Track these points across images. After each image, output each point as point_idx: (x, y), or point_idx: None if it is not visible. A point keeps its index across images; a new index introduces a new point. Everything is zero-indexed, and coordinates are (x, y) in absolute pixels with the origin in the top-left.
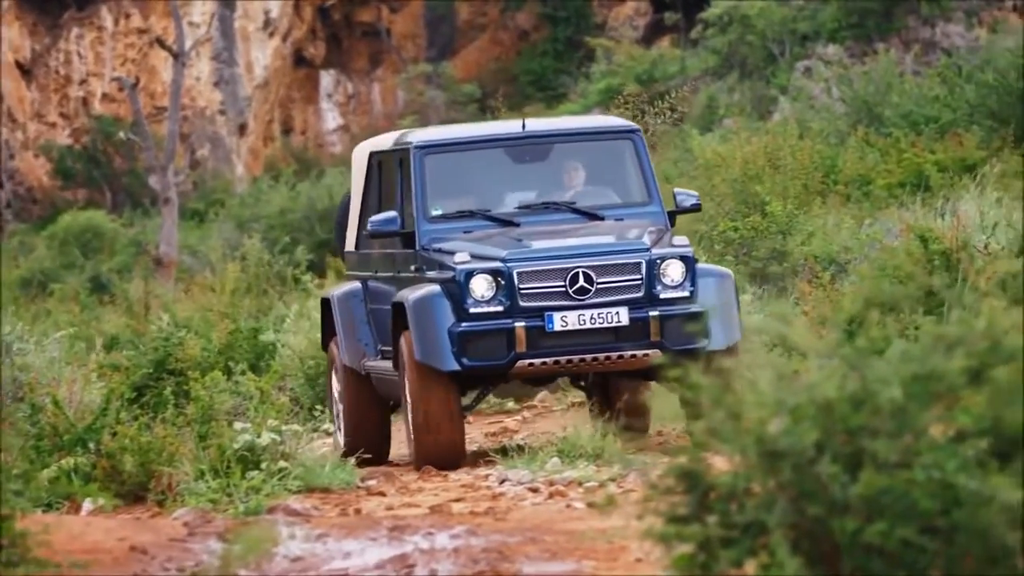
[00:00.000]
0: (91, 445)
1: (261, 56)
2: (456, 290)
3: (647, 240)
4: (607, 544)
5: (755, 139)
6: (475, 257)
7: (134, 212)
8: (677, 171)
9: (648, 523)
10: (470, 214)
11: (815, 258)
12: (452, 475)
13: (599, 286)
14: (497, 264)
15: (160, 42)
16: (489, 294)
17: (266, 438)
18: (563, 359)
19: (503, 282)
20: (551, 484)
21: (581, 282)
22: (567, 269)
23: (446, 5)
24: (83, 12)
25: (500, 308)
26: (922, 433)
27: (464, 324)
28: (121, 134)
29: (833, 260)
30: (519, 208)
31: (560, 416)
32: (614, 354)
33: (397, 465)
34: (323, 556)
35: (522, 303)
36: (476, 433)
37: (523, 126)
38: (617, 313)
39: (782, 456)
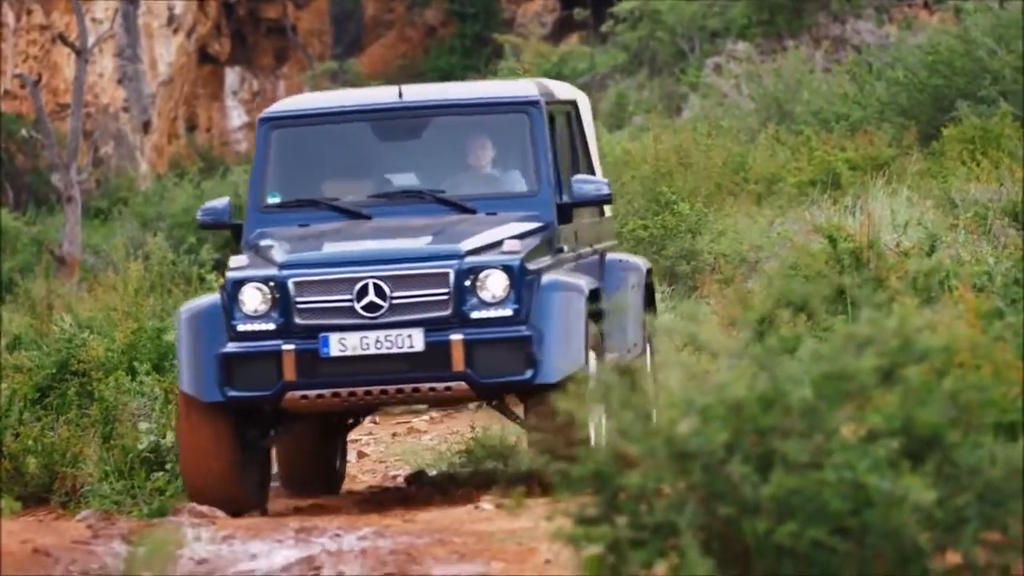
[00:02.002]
0: None
1: (165, 53)
2: (227, 303)
3: (469, 244)
4: (516, 545)
5: (666, 137)
6: (253, 262)
7: (36, 210)
8: None
9: (557, 524)
10: (312, 203)
11: (724, 257)
12: (359, 476)
13: (393, 302)
14: (272, 271)
15: (62, 38)
16: (263, 308)
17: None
18: (342, 391)
19: (279, 294)
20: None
21: (371, 296)
22: (354, 280)
23: (352, 1)
24: None
25: (272, 326)
26: (833, 433)
27: (231, 345)
28: (23, 131)
29: (743, 259)
30: (373, 197)
31: (470, 415)
32: (407, 387)
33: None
34: (229, 558)
35: (298, 320)
36: (383, 433)
37: (400, 94)
38: (410, 336)
39: (692, 457)
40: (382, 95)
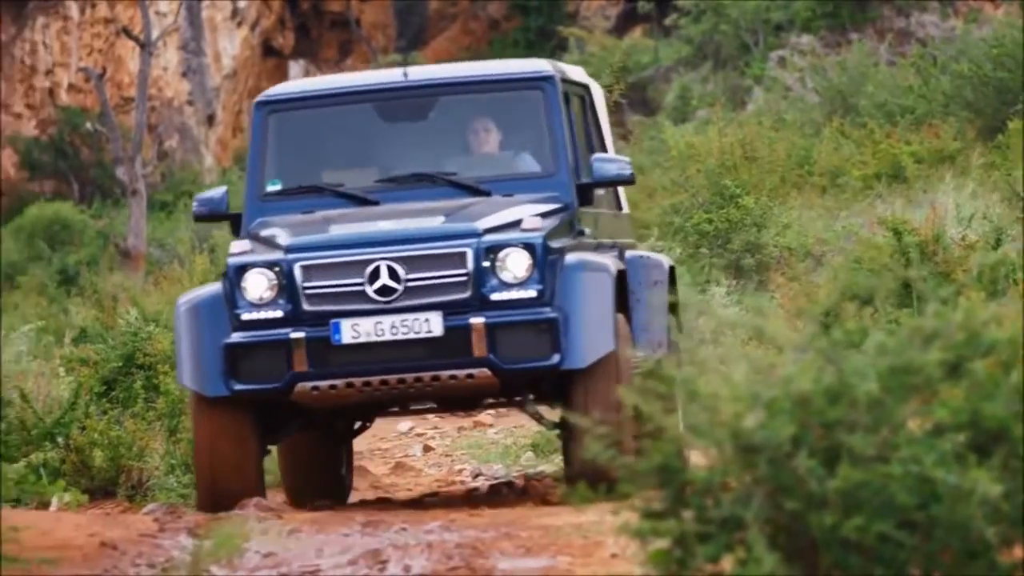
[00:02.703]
0: (60, 440)
1: (229, 46)
2: (230, 291)
3: (488, 222)
4: (582, 539)
5: (730, 130)
6: (256, 246)
7: (102, 204)
8: (651, 162)
9: (624, 518)
10: (315, 190)
11: (790, 250)
12: (425, 470)
13: (408, 284)
14: (277, 255)
15: (127, 32)
16: (268, 295)
17: None
18: (357, 381)
19: (285, 280)
20: (526, 479)
21: (384, 279)
22: (367, 261)
23: None
24: (49, 1)
25: (280, 314)
26: (900, 427)
27: (235, 335)
28: (88, 125)
29: (808, 252)
30: (380, 182)
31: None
32: (426, 375)
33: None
34: (295, 552)
35: (307, 307)
36: (448, 427)
37: (405, 74)
38: (427, 320)
39: (758, 450)
40: (386, 75)
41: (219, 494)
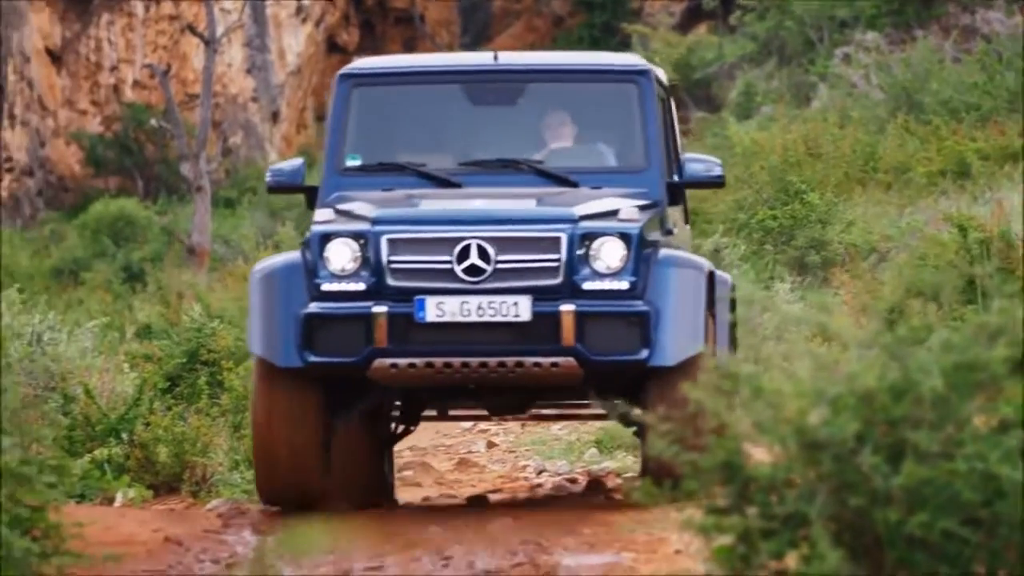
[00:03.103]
0: (124, 435)
1: (294, 43)
2: (311, 260)
3: (584, 209)
4: (646, 535)
5: (794, 127)
6: (341, 216)
7: (166, 200)
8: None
9: (688, 514)
10: (397, 168)
11: (855, 247)
12: (489, 466)
13: (499, 266)
14: (363, 227)
15: (191, 29)
16: (351, 267)
17: None
18: (437, 362)
19: (370, 252)
20: (589, 475)
21: (474, 258)
22: (456, 239)
23: None
24: None
25: (362, 286)
26: (964, 423)
27: (313, 306)
28: (153, 121)
29: (873, 249)
30: (465, 164)
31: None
32: (509, 360)
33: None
34: (358, 550)
35: (391, 281)
36: (512, 423)
37: (495, 58)
38: (516, 304)
39: (823, 447)
40: (476, 58)
41: (279, 475)
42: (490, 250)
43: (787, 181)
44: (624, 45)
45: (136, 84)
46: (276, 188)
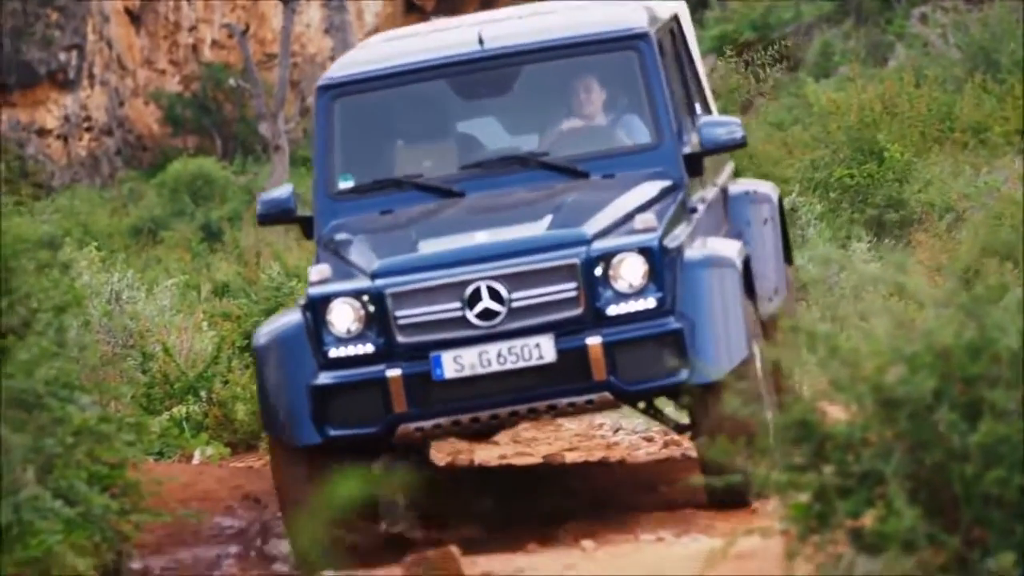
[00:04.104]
0: (202, 393)
1: (372, 3)
2: (312, 324)
3: (595, 224)
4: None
5: (871, 86)
6: (339, 271)
7: (244, 159)
8: (792, 118)
9: (764, 472)
10: (394, 184)
11: (932, 206)
12: (566, 424)
13: (513, 305)
14: (363, 284)
15: None
16: (357, 327)
17: None
18: (464, 418)
19: (374, 310)
20: (666, 433)
21: (485, 301)
22: (463, 283)
23: None
24: None
25: (371, 348)
26: None
27: (323, 376)
28: (231, 81)
29: (950, 208)
30: (465, 168)
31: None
32: (540, 404)
33: None
34: (432, 499)
35: (401, 339)
36: None
37: (481, 42)
38: (538, 346)
39: (899, 405)
40: (459, 43)
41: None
42: (502, 290)
43: (866, 139)
44: (702, 6)
45: (214, 44)
46: (267, 220)
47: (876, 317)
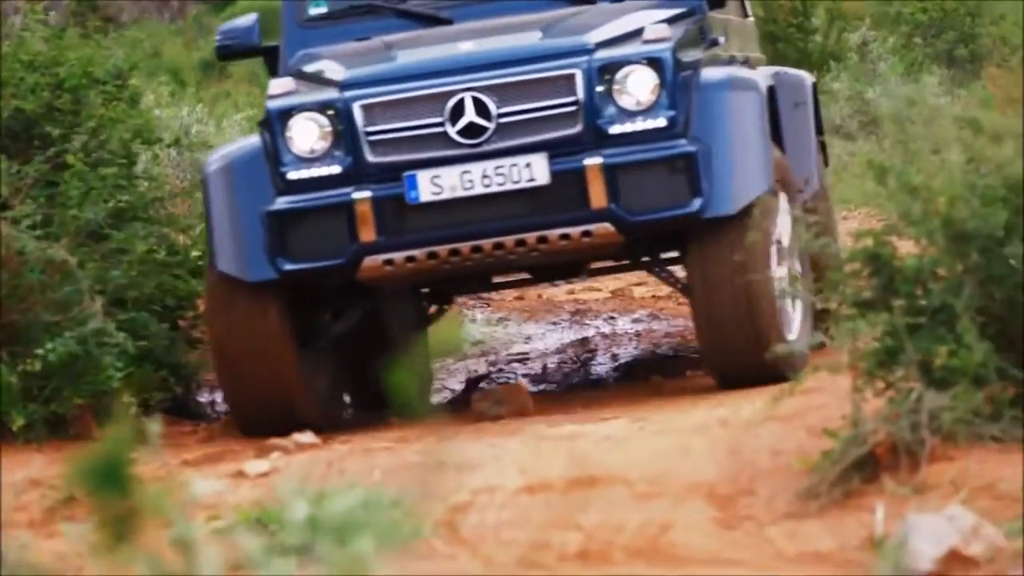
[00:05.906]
0: None
1: None
2: (270, 143)
3: (599, 35)
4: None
5: None
6: (303, 83)
7: None
8: None
9: (836, 308)
10: (371, 9)
11: (1004, 40)
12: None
13: (501, 121)
14: (330, 94)
15: None
16: (321, 146)
17: None
18: (441, 251)
19: (342, 125)
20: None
21: (470, 115)
22: (445, 94)
23: None
24: None
25: (337, 169)
26: None
27: (280, 201)
28: None
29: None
30: None
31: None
32: (530, 236)
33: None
34: (504, 339)
35: (371, 158)
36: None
37: None
38: (528, 166)
39: (970, 239)
40: None
41: (253, 411)
42: (489, 102)
43: None
44: None
45: None
46: (227, 53)
47: (948, 151)
